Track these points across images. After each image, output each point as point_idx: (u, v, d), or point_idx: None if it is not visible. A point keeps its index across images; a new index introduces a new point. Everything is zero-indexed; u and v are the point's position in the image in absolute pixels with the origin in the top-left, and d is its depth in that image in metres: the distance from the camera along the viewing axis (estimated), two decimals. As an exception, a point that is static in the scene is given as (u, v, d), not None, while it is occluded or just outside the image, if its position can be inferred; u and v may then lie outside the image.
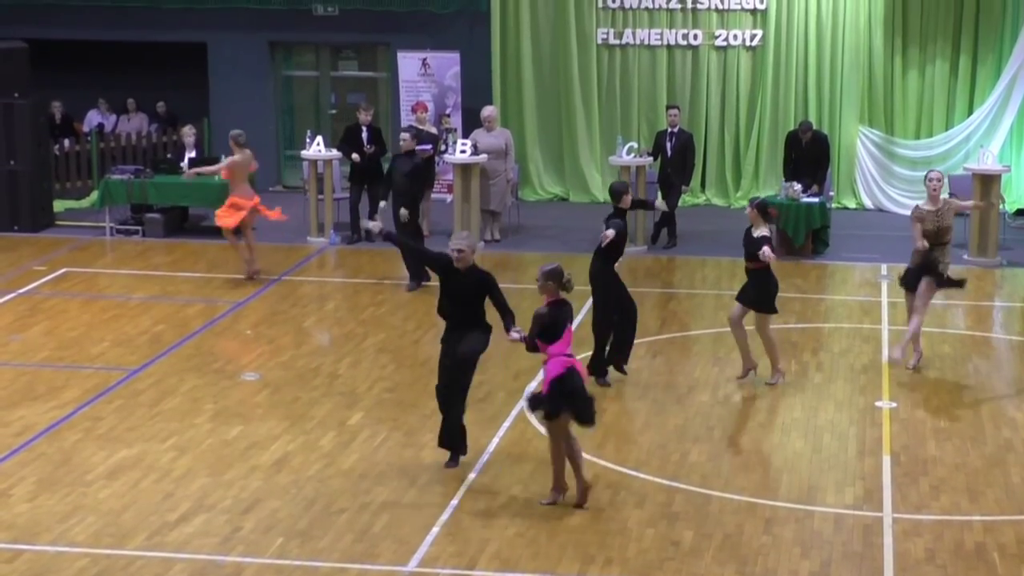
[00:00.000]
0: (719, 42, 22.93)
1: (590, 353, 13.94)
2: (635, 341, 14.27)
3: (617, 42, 23.20)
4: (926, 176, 14.67)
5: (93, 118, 25.20)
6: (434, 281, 13.56)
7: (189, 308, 16.82)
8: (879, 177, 22.71)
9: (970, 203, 16.30)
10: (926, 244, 14.20)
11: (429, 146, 20.68)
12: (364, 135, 20.30)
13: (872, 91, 22.63)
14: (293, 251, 19.78)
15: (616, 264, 13.91)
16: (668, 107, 20.75)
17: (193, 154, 20.83)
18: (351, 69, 24.83)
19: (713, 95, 23.05)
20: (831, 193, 21.03)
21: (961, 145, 22.26)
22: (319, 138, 20.69)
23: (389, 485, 11.43)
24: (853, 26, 22.51)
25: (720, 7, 22.87)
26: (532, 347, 11.05)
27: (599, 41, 23.22)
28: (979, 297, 17.76)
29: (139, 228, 20.64)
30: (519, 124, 23.25)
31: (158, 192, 20.49)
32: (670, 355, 14.80)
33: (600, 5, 23.14)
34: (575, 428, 11.02)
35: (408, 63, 23.35)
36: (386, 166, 21.96)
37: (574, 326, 11.34)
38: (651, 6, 23.05)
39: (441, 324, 11.81)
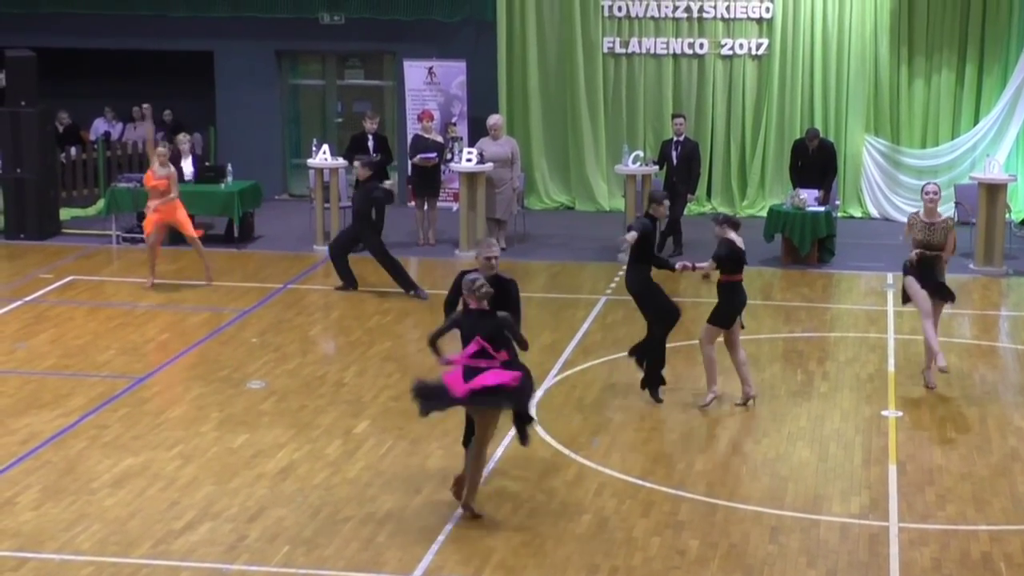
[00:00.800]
0: (725, 51, 22.94)
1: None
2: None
3: (623, 51, 23.22)
4: (923, 189, 14.35)
5: (99, 126, 25.24)
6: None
7: (195, 316, 16.83)
8: (885, 186, 22.71)
9: (950, 252, 14.30)
10: (915, 257, 14.05)
11: (434, 154, 20.71)
12: (370, 144, 20.34)
13: (878, 100, 22.64)
14: (299, 259, 19.79)
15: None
16: (674, 116, 20.76)
17: (189, 161, 20.86)
18: (357, 78, 24.85)
19: (719, 104, 23.06)
20: (837, 202, 21.03)
21: (967, 154, 22.26)
22: (325, 146, 20.70)
23: (395, 493, 11.43)
24: (859, 35, 22.52)
25: (726, 16, 22.90)
26: (430, 342, 10.90)
27: (605, 50, 23.25)
28: (985, 306, 17.75)
29: (145, 236, 20.63)
30: (525, 133, 23.27)
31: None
32: (676, 364, 14.78)
33: (606, 14, 23.17)
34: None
35: (414, 72, 23.37)
36: (393, 175, 22.10)
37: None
38: (657, 15, 23.07)
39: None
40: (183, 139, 21.18)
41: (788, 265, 19.50)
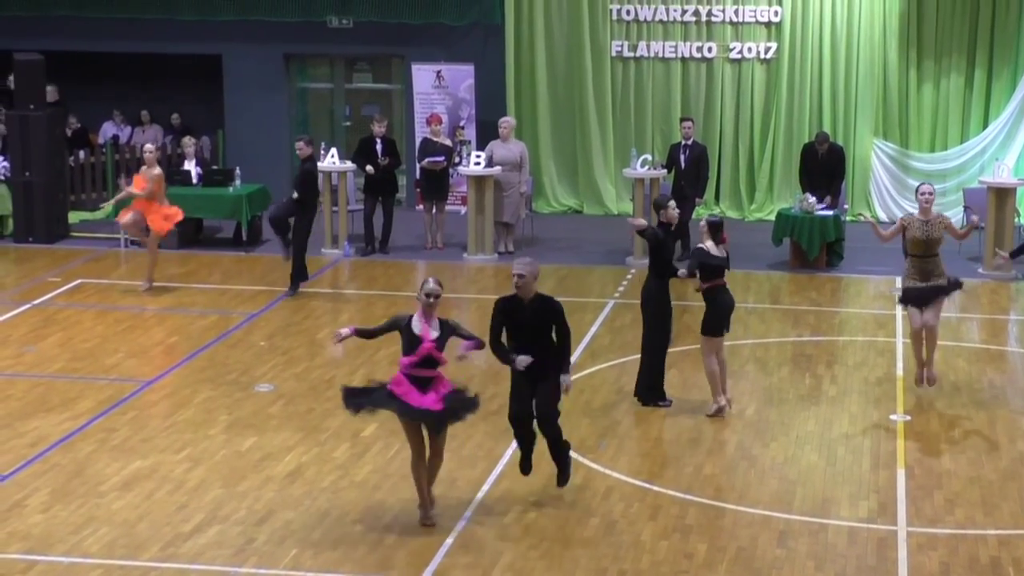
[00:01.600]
0: (733, 55, 22.93)
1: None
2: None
3: (631, 54, 23.22)
4: (917, 189, 14.13)
5: (108, 130, 25.27)
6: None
7: (203, 319, 16.85)
8: (894, 190, 22.69)
9: (961, 232, 14.65)
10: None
11: (442, 158, 20.71)
12: (378, 147, 20.35)
13: (887, 104, 22.62)
14: (307, 263, 19.76)
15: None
16: (682, 119, 20.74)
17: (194, 163, 20.86)
18: (365, 81, 24.86)
19: (727, 108, 23.05)
20: (845, 206, 21.01)
21: (976, 158, 22.23)
22: (333, 150, 20.73)
23: (403, 497, 11.42)
24: (868, 39, 22.50)
25: (735, 20, 22.89)
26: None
27: (613, 53, 23.25)
28: (994, 310, 17.74)
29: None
30: (533, 136, 23.27)
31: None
32: (683, 368, 14.78)
33: (615, 18, 23.17)
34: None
35: (422, 75, 23.39)
36: (401, 178, 22.10)
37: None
38: (665, 19, 23.07)
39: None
40: (188, 142, 21.19)
41: (796, 269, 19.48)
